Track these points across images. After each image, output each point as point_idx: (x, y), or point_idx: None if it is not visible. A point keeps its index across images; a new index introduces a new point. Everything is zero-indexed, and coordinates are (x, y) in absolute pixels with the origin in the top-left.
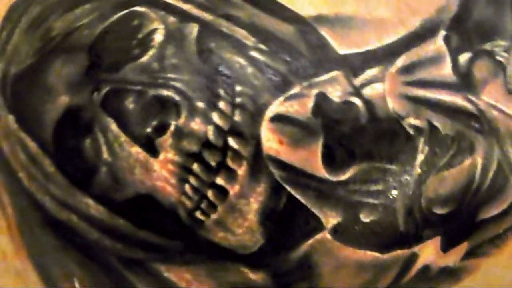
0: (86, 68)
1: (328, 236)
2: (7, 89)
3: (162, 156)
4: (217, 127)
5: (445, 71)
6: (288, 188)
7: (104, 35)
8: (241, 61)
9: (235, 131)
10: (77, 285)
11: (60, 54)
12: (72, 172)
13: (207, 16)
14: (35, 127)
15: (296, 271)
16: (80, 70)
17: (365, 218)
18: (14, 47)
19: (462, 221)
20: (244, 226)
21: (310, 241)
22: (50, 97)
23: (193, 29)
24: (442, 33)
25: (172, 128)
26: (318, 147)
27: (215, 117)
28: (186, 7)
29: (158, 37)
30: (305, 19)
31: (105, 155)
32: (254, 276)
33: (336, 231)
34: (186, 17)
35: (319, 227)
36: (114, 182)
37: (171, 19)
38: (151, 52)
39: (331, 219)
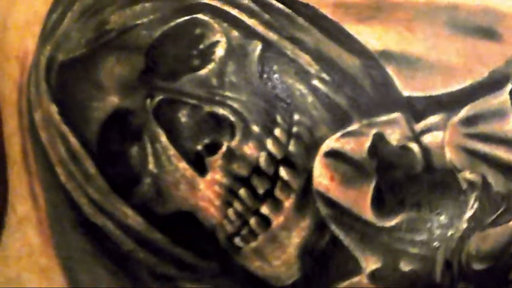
0: (140, 71)
1: (365, 280)
2: (52, 76)
3: (209, 176)
4: (270, 155)
5: (507, 127)
6: (333, 226)
7: (163, 39)
8: (302, 89)
9: (288, 161)
10: None
11: (114, 51)
12: (114, 177)
13: (271, 36)
14: (79, 123)
15: None
16: (134, 72)
17: (404, 266)
18: (64, 33)
19: (495, 278)
20: (281, 259)
21: (345, 283)
22: (99, 95)
23: (256, 48)
24: (509, 86)
25: (224, 148)
26: (369, 189)
27: (270, 144)
28: (251, 22)
29: (220, 51)
30: (372, 54)
31: (151, 165)
32: None
33: (373, 276)
34: (250, 33)
35: (357, 270)
36: (156, 194)
37: (235, 33)
38: (211, 66)
39: (370, 264)
